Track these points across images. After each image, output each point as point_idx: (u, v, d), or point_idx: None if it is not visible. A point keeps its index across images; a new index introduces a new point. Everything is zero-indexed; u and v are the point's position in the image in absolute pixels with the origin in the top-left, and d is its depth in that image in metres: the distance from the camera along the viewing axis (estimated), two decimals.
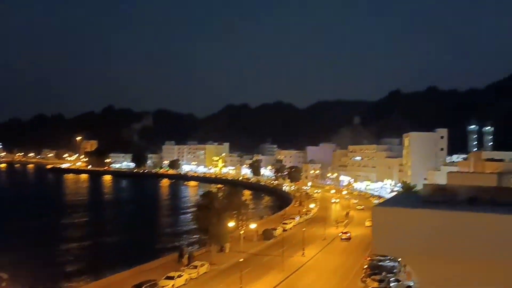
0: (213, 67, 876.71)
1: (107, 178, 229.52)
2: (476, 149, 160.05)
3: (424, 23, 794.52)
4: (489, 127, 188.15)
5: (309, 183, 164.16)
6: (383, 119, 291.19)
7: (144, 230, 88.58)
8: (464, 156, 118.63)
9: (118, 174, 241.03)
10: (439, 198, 5.60)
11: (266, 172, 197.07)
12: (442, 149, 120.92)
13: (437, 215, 5.20)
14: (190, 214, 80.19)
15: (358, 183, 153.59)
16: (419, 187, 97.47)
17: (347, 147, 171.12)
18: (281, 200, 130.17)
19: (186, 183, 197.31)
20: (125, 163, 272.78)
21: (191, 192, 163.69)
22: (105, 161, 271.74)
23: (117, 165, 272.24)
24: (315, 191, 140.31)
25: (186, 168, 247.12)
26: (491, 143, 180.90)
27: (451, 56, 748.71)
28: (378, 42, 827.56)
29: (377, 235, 5.82)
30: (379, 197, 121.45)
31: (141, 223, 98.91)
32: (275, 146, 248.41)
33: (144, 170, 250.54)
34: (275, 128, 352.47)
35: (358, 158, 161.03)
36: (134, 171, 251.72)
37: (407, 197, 7.19)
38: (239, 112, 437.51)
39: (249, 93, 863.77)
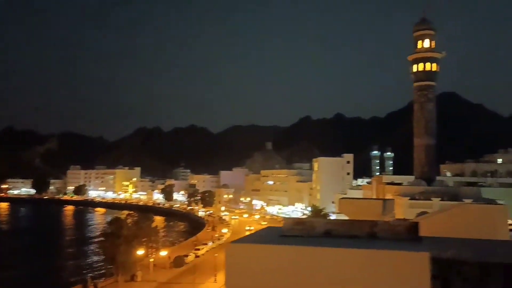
0: (125, 89, 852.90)
1: (3, 205, 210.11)
2: (378, 173, 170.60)
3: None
4: (390, 153, 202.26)
5: (223, 208, 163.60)
6: (294, 144, 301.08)
7: (44, 262, 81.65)
8: (368, 180, 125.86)
9: (16, 201, 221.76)
10: (297, 232, 5.57)
11: (179, 197, 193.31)
12: (348, 173, 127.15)
13: (288, 250, 5.11)
14: (96, 243, 75.68)
15: (271, 207, 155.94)
16: (328, 210, 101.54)
17: (259, 172, 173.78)
18: (194, 225, 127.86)
19: (93, 209, 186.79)
20: (24, 189, 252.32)
21: (99, 219, 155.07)
22: (1, 187, 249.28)
23: (15, 191, 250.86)
24: (232, 217, 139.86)
25: (94, 193, 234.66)
26: (391, 167, 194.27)
27: (356, 87, 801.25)
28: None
29: (231, 274, 5.52)
30: None
31: (41, 255, 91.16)
32: (188, 170, 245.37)
33: (45, 197, 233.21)
34: (188, 152, 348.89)
35: (271, 182, 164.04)
36: (35, 197, 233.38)
37: (268, 232, 7.03)
38: (151, 135, 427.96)
39: (161, 117, 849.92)
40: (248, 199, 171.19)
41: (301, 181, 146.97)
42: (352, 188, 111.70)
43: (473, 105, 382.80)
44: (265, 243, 5.42)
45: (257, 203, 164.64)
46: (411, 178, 66.07)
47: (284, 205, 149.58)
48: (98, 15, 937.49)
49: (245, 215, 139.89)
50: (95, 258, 76.41)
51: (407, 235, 3.63)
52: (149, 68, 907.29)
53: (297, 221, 5.75)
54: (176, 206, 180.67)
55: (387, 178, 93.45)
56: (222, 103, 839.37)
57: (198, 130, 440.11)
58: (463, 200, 47.04)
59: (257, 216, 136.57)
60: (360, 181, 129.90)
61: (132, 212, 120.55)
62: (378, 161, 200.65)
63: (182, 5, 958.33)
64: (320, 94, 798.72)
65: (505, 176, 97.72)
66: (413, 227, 3.74)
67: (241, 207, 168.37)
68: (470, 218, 35.34)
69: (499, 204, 39.41)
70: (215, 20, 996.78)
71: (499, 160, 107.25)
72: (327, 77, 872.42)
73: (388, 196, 53.01)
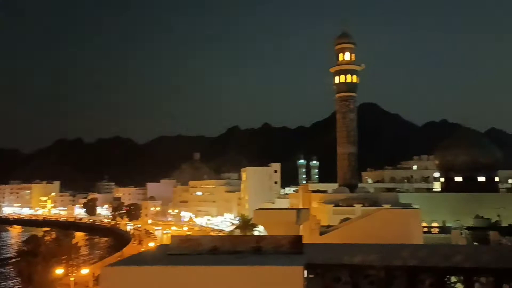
0: (40, 98, 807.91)
1: None
2: (305, 181, 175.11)
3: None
4: (315, 162, 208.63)
5: (150, 221, 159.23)
6: (222, 155, 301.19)
7: None
8: (295, 188, 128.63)
9: None
10: (184, 250, 5.40)
11: (103, 211, 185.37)
12: (276, 182, 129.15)
13: (170, 271, 4.87)
14: (11, 264, 70.10)
15: (199, 218, 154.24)
16: None
17: (188, 183, 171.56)
18: (119, 240, 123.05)
19: (8, 227, 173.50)
20: None
21: (14, 237, 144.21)
22: None
23: None
24: (164, 231, 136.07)
25: (8, 210, 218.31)
26: (317, 175, 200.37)
27: (282, 97, 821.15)
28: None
29: None
30: (219, 231, 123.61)
31: None
32: (112, 183, 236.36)
33: None
34: (113, 165, 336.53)
35: (199, 193, 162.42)
36: None
37: (155, 252, 6.68)
38: (72, 147, 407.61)
39: (84, 128, 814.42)
40: (176, 211, 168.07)
41: (229, 191, 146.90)
42: (280, 197, 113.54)
43: (391, 115, 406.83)
44: (147, 263, 5.06)
45: (186, 215, 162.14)
46: (335, 185, 68.47)
47: (213, 216, 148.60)
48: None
49: (173, 228, 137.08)
50: (10, 280, 70.77)
51: (291, 249, 3.61)
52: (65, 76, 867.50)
53: (184, 239, 5.50)
54: (100, 220, 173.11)
55: (313, 186, 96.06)
56: (147, 114, 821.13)
57: (123, 141, 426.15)
58: (382, 205, 49.42)
59: (185, 228, 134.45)
60: (287, 190, 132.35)
61: (51, 228, 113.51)
62: (305, 169, 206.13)
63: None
64: (247, 104, 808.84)
65: (420, 182, 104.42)
66: (297, 240, 3.74)
67: (169, 219, 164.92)
68: (388, 222, 37.15)
69: (414, 208, 41.89)
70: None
71: (414, 167, 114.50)
72: (254, 87, 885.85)
73: (314, 204, 54.45)
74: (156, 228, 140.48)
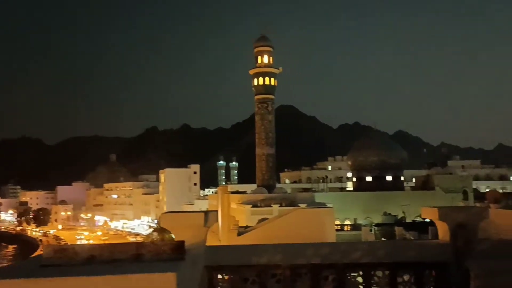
0: None
1: None
2: (224, 182, 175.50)
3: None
4: (235, 163, 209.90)
5: (60, 226, 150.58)
6: (140, 156, 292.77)
7: None
8: (215, 189, 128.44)
9: None
10: (58, 260, 5.15)
11: (8, 217, 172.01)
12: (195, 184, 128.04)
13: (41, 284, 4.58)
14: None
15: (115, 222, 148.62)
16: None
17: (103, 186, 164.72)
18: (26, 248, 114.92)
19: None
20: None
21: None
22: None
23: None
24: (77, 236, 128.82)
25: None
26: (237, 177, 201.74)
27: (202, 98, 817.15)
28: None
29: None
30: (136, 234, 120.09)
31: None
32: (18, 187, 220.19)
33: None
34: (19, 167, 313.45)
35: (115, 196, 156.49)
36: None
37: (27, 263, 6.28)
38: None
39: None
40: (90, 215, 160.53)
41: (147, 194, 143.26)
42: (200, 198, 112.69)
43: (308, 117, 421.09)
44: (17, 276, 4.63)
45: (100, 219, 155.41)
46: (254, 186, 69.34)
47: (129, 219, 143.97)
48: None
49: (86, 233, 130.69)
50: None
51: (172, 255, 3.56)
52: None
53: (58, 248, 5.21)
54: (5, 227, 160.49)
55: (232, 187, 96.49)
56: (58, 113, 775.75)
57: (31, 141, 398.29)
58: (299, 205, 50.89)
59: (99, 233, 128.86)
60: (207, 191, 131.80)
61: None
62: (224, 171, 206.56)
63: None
64: (166, 105, 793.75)
65: (334, 181, 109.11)
66: (178, 246, 3.70)
67: (82, 224, 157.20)
68: (304, 220, 38.35)
69: (328, 207, 43.66)
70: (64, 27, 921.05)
71: (329, 167, 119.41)
72: (173, 88, 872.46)
73: (233, 205, 54.68)
74: (81, 237, 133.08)
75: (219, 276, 5.35)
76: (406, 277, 4.99)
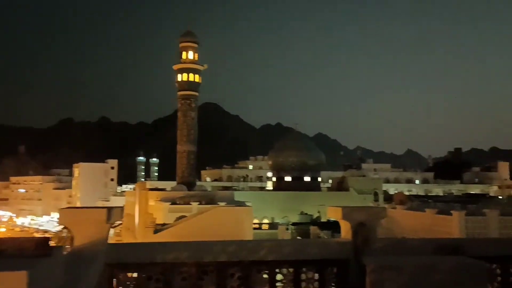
0: None
1: None
2: (143, 179, 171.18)
3: None
4: (155, 159, 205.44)
5: None
6: (53, 148, 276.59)
7: None
8: (133, 186, 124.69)
9: None
10: None
11: None
12: (112, 180, 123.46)
13: None
14: None
15: (22, 218, 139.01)
16: None
17: (9, 179, 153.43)
18: None
19: None
20: None
21: None
22: None
23: None
24: None
25: None
26: (157, 173, 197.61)
27: (122, 90, 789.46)
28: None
29: None
30: (45, 231, 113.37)
31: None
32: None
33: None
34: None
35: (22, 190, 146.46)
36: None
37: None
38: None
39: None
40: None
41: (58, 188, 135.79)
42: (116, 194, 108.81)
43: (232, 116, 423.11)
44: None
45: (5, 214, 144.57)
46: (174, 183, 68.23)
47: (38, 215, 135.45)
48: None
49: None
50: None
51: (36, 251, 3.36)
52: None
53: None
54: None
55: (151, 184, 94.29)
56: None
57: None
58: (218, 203, 50.89)
59: (3, 229, 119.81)
60: (125, 187, 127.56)
61: None
62: (144, 167, 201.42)
63: None
64: (83, 96, 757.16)
65: (255, 181, 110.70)
66: (43, 242, 3.51)
67: None
68: (222, 218, 38.41)
69: (247, 206, 44.11)
70: None
71: (250, 166, 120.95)
72: (92, 78, 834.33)
73: (151, 202, 53.37)
74: None
75: (122, 274, 5.14)
76: (309, 274, 5.13)
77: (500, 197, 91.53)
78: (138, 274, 5.22)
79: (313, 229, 48.98)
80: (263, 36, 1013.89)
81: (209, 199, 56.03)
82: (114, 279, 5.20)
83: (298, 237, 52.49)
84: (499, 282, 5.19)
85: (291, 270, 5.12)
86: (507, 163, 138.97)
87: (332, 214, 5.31)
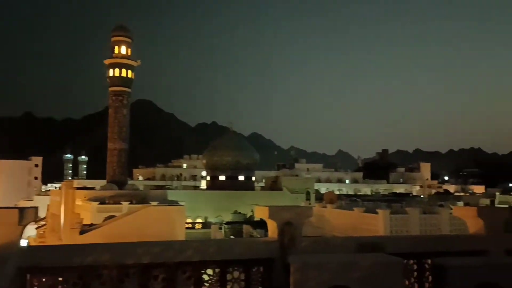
0: None
1: None
2: (71, 177, 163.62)
3: None
4: (84, 157, 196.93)
5: None
6: None
7: None
8: (59, 185, 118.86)
9: None
10: None
11: None
12: (36, 178, 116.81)
13: None
14: None
15: None
16: None
17: None
18: None
19: None
20: None
21: None
22: None
23: None
24: None
25: None
26: (85, 171, 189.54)
27: (48, 84, 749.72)
28: None
29: None
30: None
31: None
32: None
33: None
34: None
35: None
36: None
37: None
38: None
39: None
40: None
41: None
42: (41, 193, 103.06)
43: (166, 113, 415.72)
44: None
45: None
46: (104, 182, 65.70)
47: None
48: None
49: None
50: None
51: None
52: None
53: None
54: None
55: (79, 182, 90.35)
56: None
57: None
58: (151, 202, 49.74)
59: None
60: (50, 186, 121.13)
61: None
62: (71, 165, 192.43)
63: None
64: (5, 90, 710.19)
65: (189, 180, 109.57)
66: None
67: None
68: (154, 218, 37.53)
69: (180, 205, 43.50)
70: None
71: (185, 165, 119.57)
72: (15, 71, 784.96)
73: (78, 202, 51.03)
74: None
75: (35, 278, 4.79)
76: (235, 274, 5.09)
77: (421, 196, 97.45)
78: (53, 278, 4.89)
79: (246, 228, 49.32)
80: (198, 35, 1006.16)
81: (141, 199, 54.60)
82: (27, 284, 4.85)
83: (232, 236, 52.67)
84: (415, 277, 5.44)
85: (217, 270, 5.05)
86: (429, 164, 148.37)
87: (259, 213, 5.31)
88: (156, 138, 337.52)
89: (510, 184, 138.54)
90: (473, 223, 5.91)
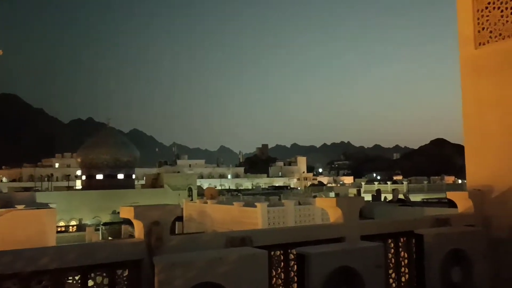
0: None
1: None
2: None
3: None
4: None
5: None
6: None
7: None
8: None
9: None
10: None
11: None
12: None
13: None
14: None
15: None
16: None
17: None
18: None
19: None
20: None
21: None
22: None
23: None
24: None
25: None
26: None
27: None
28: None
29: None
30: None
31: None
32: None
33: None
34: None
35: None
36: None
37: None
38: None
39: None
40: None
41: None
42: None
43: (34, 109, 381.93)
44: None
45: None
46: None
47: None
48: None
49: None
50: None
51: None
52: None
53: None
54: None
55: None
56: None
57: None
58: (16, 206, 45.39)
59: None
60: None
61: None
62: None
63: None
64: None
65: (62, 180, 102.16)
66: None
67: None
68: (20, 223, 34.29)
69: (50, 207, 40.35)
70: None
71: (57, 164, 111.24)
72: None
73: None
74: None
75: None
76: (98, 279, 4.80)
77: (298, 188, 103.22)
78: None
79: (125, 228, 47.55)
80: (73, 27, 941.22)
81: (4, 202, 49.52)
82: None
83: (110, 238, 50.44)
84: (281, 267, 5.68)
85: (77, 277, 4.72)
86: (305, 158, 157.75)
87: (124, 214, 5.08)
88: (23, 136, 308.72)
89: (374, 174, 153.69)
90: (333, 213, 6.35)
